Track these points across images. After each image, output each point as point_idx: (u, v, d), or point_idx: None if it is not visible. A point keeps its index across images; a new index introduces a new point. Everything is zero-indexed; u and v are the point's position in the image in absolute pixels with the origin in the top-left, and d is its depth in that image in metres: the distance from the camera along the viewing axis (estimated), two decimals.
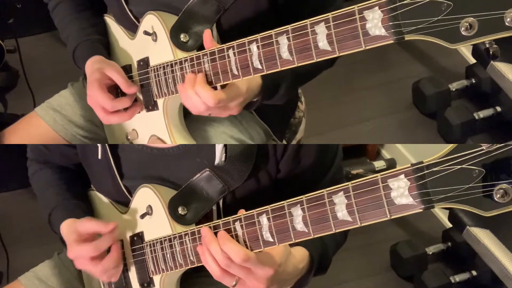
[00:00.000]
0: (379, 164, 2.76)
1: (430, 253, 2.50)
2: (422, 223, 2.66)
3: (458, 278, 2.39)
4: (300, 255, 1.20)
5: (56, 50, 2.67)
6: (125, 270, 1.34)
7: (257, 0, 1.35)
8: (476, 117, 2.53)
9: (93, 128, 1.59)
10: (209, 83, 1.24)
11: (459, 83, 2.67)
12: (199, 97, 1.21)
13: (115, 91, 1.39)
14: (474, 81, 2.65)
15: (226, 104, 1.23)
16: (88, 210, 1.43)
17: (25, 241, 2.48)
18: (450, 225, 2.43)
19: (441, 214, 2.65)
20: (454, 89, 2.66)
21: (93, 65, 1.40)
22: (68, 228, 1.33)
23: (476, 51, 2.30)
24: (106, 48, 1.49)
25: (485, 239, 1.97)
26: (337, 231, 0.99)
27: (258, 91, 1.29)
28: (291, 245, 1.14)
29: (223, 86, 1.24)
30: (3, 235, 2.35)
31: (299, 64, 1.08)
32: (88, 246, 1.28)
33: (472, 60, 2.62)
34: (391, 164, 2.79)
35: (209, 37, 1.24)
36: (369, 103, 2.74)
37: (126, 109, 1.39)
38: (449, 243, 2.52)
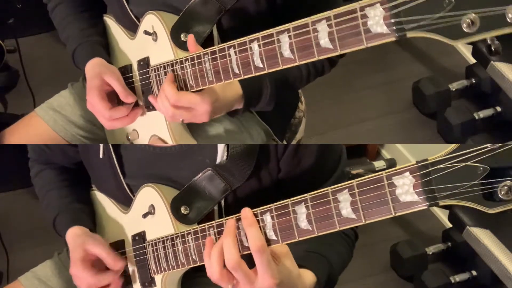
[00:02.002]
0: (379, 164, 2.77)
1: (430, 253, 2.50)
2: (422, 223, 2.66)
3: (458, 278, 2.39)
4: (308, 278, 1.18)
5: (56, 50, 2.67)
6: (126, 269, 1.34)
7: (258, 1, 1.35)
8: (476, 117, 2.53)
9: (93, 128, 1.59)
10: (209, 82, 1.24)
11: (459, 83, 2.67)
12: (165, 95, 1.25)
13: (115, 96, 1.39)
14: (474, 81, 2.66)
15: (190, 108, 1.26)
16: (92, 213, 1.43)
17: (25, 241, 2.48)
18: (450, 225, 2.43)
19: (441, 214, 2.65)
20: (454, 89, 2.67)
21: (93, 69, 1.40)
22: (76, 239, 1.33)
23: (476, 51, 2.30)
24: (106, 49, 1.49)
25: (485, 239, 1.97)
26: (341, 228, 0.98)
27: (237, 100, 1.33)
28: (299, 266, 1.14)
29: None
30: (3, 235, 2.36)
31: (301, 63, 1.08)
32: (91, 276, 1.28)
33: (472, 60, 2.62)
34: (391, 164, 2.79)
35: (192, 41, 1.26)
36: (369, 103, 2.75)
37: None
38: (449, 243, 2.52)
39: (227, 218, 1.12)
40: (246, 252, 1.08)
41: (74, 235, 1.34)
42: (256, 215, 1.08)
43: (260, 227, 1.07)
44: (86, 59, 1.43)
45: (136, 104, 1.42)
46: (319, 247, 1.26)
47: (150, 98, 1.35)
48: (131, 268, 1.34)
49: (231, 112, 1.36)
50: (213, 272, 1.09)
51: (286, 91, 1.42)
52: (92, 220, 1.41)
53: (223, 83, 1.24)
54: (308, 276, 1.18)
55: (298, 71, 1.41)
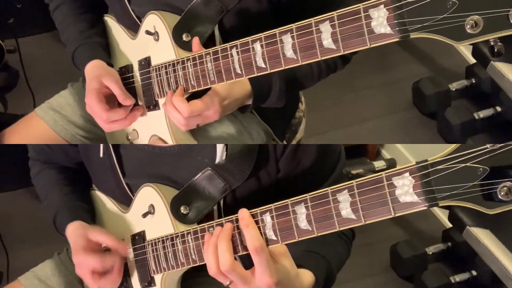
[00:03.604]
0: (379, 164, 2.77)
1: (430, 253, 2.50)
2: (422, 223, 2.66)
3: (458, 278, 2.39)
4: (307, 278, 1.18)
5: (56, 50, 2.67)
6: (126, 269, 1.34)
7: (259, 1, 1.35)
8: (476, 117, 2.53)
9: (93, 128, 1.59)
10: (211, 82, 1.24)
11: (459, 83, 2.67)
12: (176, 109, 1.26)
13: (114, 99, 1.39)
14: (474, 81, 2.66)
15: (202, 113, 1.27)
16: (92, 211, 1.43)
17: (25, 241, 2.48)
18: (450, 225, 2.43)
19: (441, 214, 2.65)
20: (454, 89, 2.66)
21: (92, 71, 1.40)
22: (76, 231, 1.33)
23: (476, 51, 2.30)
24: (106, 50, 1.49)
25: (485, 239, 1.97)
26: (341, 229, 0.98)
27: (246, 96, 1.33)
28: (297, 265, 1.14)
29: (201, 94, 1.28)
30: (3, 235, 2.35)
31: (303, 63, 1.08)
32: (94, 259, 1.28)
33: (472, 60, 2.62)
34: (391, 164, 2.79)
35: (197, 43, 1.28)
36: (369, 103, 2.75)
37: None
38: (449, 243, 2.52)
39: (227, 218, 1.13)
40: (246, 252, 1.08)
41: (74, 228, 1.35)
42: (256, 215, 1.08)
43: (259, 227, 1.07)
44: (85, 61, 1.43)
45: (135, 105, 1.42)
46: (318, 246, 1.26)
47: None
48: (131, 268, 1.34)
49: (241, 108, 1.36)
50: (210, 270, 1.10)
51: (296, 88, 1.42)
52: (91, 218, 1.42)
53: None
54: (307, 275, 1.18)
55: (309, 67, 1.40)
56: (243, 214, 1.08)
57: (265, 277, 1.05)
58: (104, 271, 1.30)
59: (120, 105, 1.40)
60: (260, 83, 1.33)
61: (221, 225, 1.13)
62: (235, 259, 1.09)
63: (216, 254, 1.09)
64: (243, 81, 1.31)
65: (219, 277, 1.09)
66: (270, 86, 1.35)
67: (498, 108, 2.54)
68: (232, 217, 1.12)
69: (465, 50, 2.82)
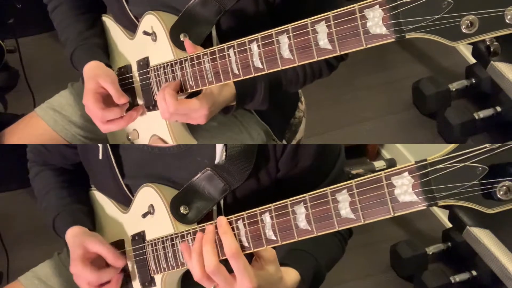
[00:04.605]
0: (379, 164, 2.76)
1: (430, 253, 2.50)
2: (422, 223, 2.66)
3: (458, 278, 2.39)
4: (291, 277, 1.19)
5: (56, 50, 2.65)
6: (126, 268, 1.34)
7: (256, 2, 1.35)
8: (476, 117, 2.53)
9: (93, 128, 1.59)
10: (209, 82, 1.24)
11: (459, 83, 2.67)
12: (165, 101, 1.26)
13: (112, 99, 1.40)
14: (474, 81, 2.66)
15: (188, 113, 1.28)
16: (91, 213, 1.43)
17: (25, 241, 2.48)
18: (450, 225, 2.43)
19: (441, 214, 2.65)
20: (454, 89, 2.66)
21: (90, 72, 1.41)
22: (75, 238, 1.34)
23: (476, 51, 2.30)
24: (105, 51, 1.49)
25: (485, 239, 1.97)
26: (340, 228, 0.99)
27: (230, 100, 1.34)
28: (283, 264, 1.15)
29: (195, 94, 1.29)
30: (3, 235, 2.35)
31: (300, 63, 1.08)
32: (91, 274, 1.28)
33: (472, 60, 2.62)
34: (391, 164, 2.79)
35: (189, 44, 1.28)
36: (369, 103, 2.75)
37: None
38: (449, 243, 2.52)
39: (227, 217, 1.13)
40: (225, 257, 1.10)
41: (73, 234, 1.35)
42: (255, 215, 1.08)
43: (259, 227, 1.07)
44: (84, 62, 1.43)
45: (134, 106, 1.42)
46: (306, 244, 1.25)
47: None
48: (131, 268, 1.34)
49: (224, 109, 1.36)
50: (194, 274, 1.12)
51: (281, 93, 1.42)
52: (91, 220, 1.42)
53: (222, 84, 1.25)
54: (292, 275, 1.19)
55: (294, 73, 1.41)
56: (221, 221, 1.11)
57: (245, 282, 1.08)
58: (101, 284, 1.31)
59: (117, 105, 1.40)
60: (245, 87, 1.33)
61: (221, 226, 1.13)
62: None
63: (201, 258, 1.11)
64: (230, 85, 1.31)
65: (203, 280, 1.11)
66: (254, 90, 1.35)
67: (498, 108, 2.54)
68: (232, 217, 1.12)
69: (465, 50, 2.82)
